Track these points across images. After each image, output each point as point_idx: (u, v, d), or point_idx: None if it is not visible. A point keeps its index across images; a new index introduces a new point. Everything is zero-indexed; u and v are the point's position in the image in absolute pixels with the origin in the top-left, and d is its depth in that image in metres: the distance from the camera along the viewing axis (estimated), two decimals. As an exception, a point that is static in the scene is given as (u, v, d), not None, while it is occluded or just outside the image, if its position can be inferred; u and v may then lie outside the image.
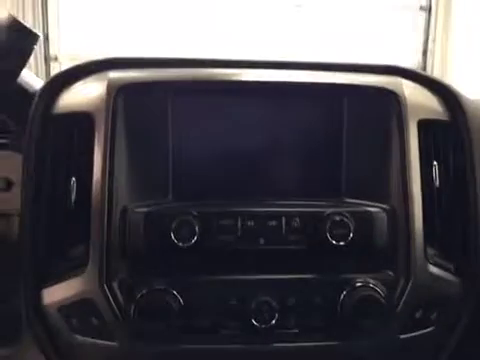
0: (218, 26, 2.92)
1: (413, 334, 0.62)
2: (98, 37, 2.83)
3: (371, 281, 0.60)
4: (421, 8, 3.02)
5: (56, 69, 2.68)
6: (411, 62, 2.92)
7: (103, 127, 0.59)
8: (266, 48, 2.79)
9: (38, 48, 2.61)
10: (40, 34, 0.63)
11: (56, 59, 2.77)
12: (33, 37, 0.62)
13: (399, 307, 0.60)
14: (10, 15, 0.60)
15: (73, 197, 0.60)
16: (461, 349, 0.65)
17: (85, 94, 0.63)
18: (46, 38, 2.75)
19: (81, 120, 0.61)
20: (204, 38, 2.86)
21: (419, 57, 2.99)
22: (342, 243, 0.58)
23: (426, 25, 2.97)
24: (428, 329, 0.62)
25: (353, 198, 0.63)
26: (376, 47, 2.97)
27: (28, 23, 0.63)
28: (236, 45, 2.84)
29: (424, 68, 2.89)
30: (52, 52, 2.77)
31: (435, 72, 2.79)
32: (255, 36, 2.87)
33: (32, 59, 0.65)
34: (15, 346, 0.64)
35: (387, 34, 3.02)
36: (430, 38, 2.92)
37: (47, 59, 2.72)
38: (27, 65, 0.64)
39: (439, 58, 2.87)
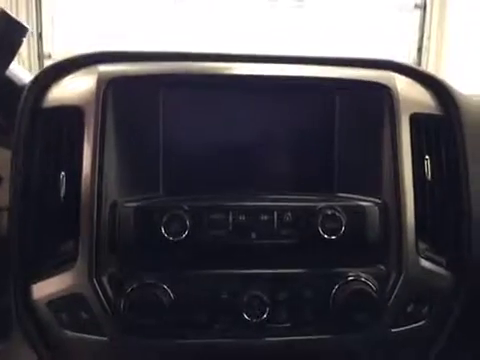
0: (216, 22, 2.91)
1: (404, 328, 0.62)
2: (92, 35, 2.82)
3: (363, 275, 0.60)
4: (416, 6, 3.03)
5: (49, 66, 2.65)
6: (406, 59, 2.93)
7: (93, 121, 0.59)
8: (264, 44, 2.79)
9: (32, 45, 2.60)
10: (29, 27, 0.62)
11: (50, 57, 2.75)
12: (22, 29, 0.61)
13: (391, 301, 0.60)
14: None
15: (62, 192, 0.59)
16: (452, 343, 0.65)
17: (75, 88, 0.62)
18: (40, 36, 2.73)
19: (70, 114, 0.60)
20: (201, 35, 2.85)
21: (414, 54, 3.00)
22: (334, 237, 0.58)
23: (421, 22, 2.98)
24: (419, 323, 0.62)
25: (345, 192, 0.62)
26: (372, 44, 2.98)
27: (21, 20, 0.62)
28: (235, 42, 2.84)
29: (419, 65, 2.90)
30: (46, 50, 2.75)
31: (430, 68, 2.79)
32: (253, 32, 2.87)
33: (25, 56, 0.64)
34: (5, 342, 0.64)
35: (382, 32, 3.02)
36: (425, 35, 2.93)
37: (40, 57, 2.70)
38: (19, 62, 0.64)
39: (434, 55, 2.88)
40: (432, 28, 2.91)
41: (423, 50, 2.94)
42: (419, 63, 2.91)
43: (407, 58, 2.92)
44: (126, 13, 2.85)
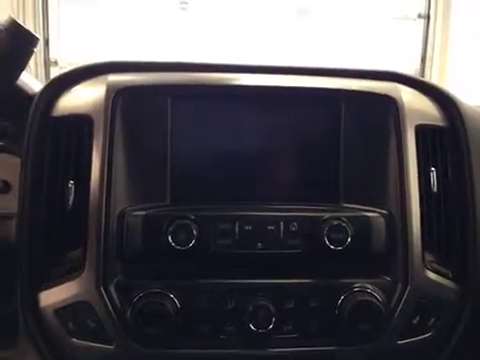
0: (220, 32, 2.93)
1: (411, 340, 0.61)
2: (99, 42, 2.84)
3: (369, 286, 0.60)
4: (419, 16, 3.04)
5: (56, 74, 2.67)
6: (409, 69, 2.94)
7: (102, 130, 0.59)
8: (267, 54, 2.81)
9: (38, 52, 2.62)
10: (40, 37, 0.63)
11: (56, 63, 2.77)
12: (33, 40, 0.62)
13: (397, 312, 0.60)
14: (10, 17, 0.60)
15: (71, 200, 0.60)
16: (458, 355, 0.65)
17: (84, 97, 0.63)
18: (46, 43, 2.75)
19: (80, 123, 0.61)
20: (205, 45, 2.87)
21: (417, 64, 3.00)
22: (340, 248, 0.58)
23: (425, 32, 2.99)
24: (426, 335, 0.62)
25: (351, 203, 0.62)
26: (374, 54, 2.99)
27: (29, 27, 0.63)
28: (238, 51, 2.85)
29: (422, 75, 2.90)
30: (52, 56, 2.77)
31: (433, 79, 2.80)
32: (257, 42, 2.89)
33: (32, 63, 0.65)
34: (12, 349, 0.64)
35: (385, 41, 3.04)
36: (428, 45, 2.94)
37: (47, 63, 2.72)
38: (27, 69, 0.64)
39: (437, 65, 2.88)
40: (436, 38, 2.92)
41: (427, 60, 2.95)
42: (422, 73, 2.91)
43: (410, 68, 2.93)
44: (133, 21, 2.87)
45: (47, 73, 2.70)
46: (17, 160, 0.63)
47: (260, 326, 0.58)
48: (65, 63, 2.76)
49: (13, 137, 0.67)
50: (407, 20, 3.07)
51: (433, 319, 0.62)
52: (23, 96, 0.64)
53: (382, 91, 0.64)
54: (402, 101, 0.64)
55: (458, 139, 0.65)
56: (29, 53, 0.62)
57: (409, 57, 3.03)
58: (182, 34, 2.90)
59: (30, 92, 0.65)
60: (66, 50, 2.82)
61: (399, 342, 0.61)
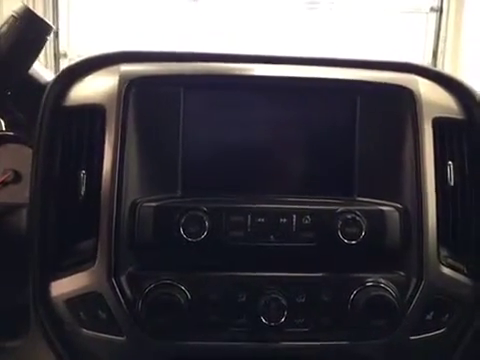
0: (231, 24, 2.91)
1: (424, 336, 0.61)
2: (108, 34, 2.84)
3: (382, 281, 0.59)
4: (432, 9, 3.00)
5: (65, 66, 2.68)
6: (421, 62, 2.91)
7: (114, 120, 0.59)
8: (278, 46, 2.79)
9: (48, 44, 2.62)
10: (53, 25, 0.63)
11: (66, 56, 2.78)
12: (46, 28, 0.62)
13: (410, 308, 0.59)
14: (24, 6, 0.60)
15: (83, 190, 0.60)
16: (473, 351, 0.64)
17: (96, 87, 0.62)
18: (56, 35, 2.76)
19: (92, 113, 0.61)
20: (216, 36, 2.85)
21: (429, 58, 2.97)
22: (354, 242, 0.57)
23: (437, 25, 2.95)
24: (439, 331, 0.61)
25: (366, 196, 0.61)
26: (386, 47, 2.96)
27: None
28: (249, 43, 2.84)
29: (434, 69, 2.87)
30: (61, 48, 2.78)
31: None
32: (267, 34, 2.87)
33: (42, 55, 0.65)
34: (23, 338, 0.64)
35: (397, 35, 3.00)
36: (441, 38, 2.90)
37: (56, 56, 2.73)
38: (37, 60, 0.64)
39: (450, 58, 2.85)
40: (448, 31, 2.89)
41: (438, 54, 2.92)
42: (434, 66, 2.88)
43: (421, 62, 2.89)
44: (142, 12, 2.87)
45: (57, 65, 2.71)
46: (28, 150, 0.63)
47: (271, 319, 0.57)
48: (74, 55, 2.76)
49: (25, 127, 0.66)
50: (419, 13, 3.03)
51: (447, 315, 0.61)
52: (35, 86, 0.64)
53: (399, 82, 0.63)
54: (419, 93, 0.62)
55: (476, 132, 0.64)
56: (42, 41, 0.62)
57: (421, 51, 3.00)
58: (192, 25, 2.89)
59: (42, 82, 0.65)
60: (75, 42, 2.82)
61: (412, 338, 0.60)
